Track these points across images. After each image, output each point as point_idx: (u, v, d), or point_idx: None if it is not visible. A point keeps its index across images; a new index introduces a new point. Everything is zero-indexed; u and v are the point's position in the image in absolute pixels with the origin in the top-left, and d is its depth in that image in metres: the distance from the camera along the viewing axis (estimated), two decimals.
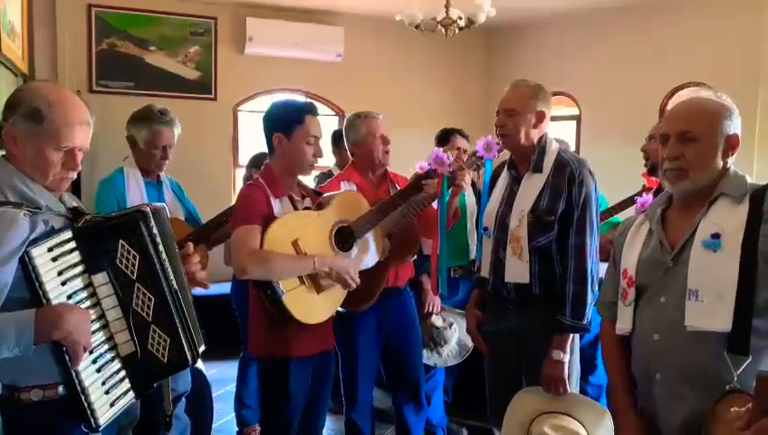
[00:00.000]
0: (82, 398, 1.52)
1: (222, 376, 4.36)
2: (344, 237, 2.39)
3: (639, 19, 5.50)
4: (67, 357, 1.49)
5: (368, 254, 2.47)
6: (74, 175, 1.64)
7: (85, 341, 1.50)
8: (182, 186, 3.03)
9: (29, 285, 1.47)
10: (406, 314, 2.92)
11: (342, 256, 2.34)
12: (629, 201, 3.28)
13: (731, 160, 1.68)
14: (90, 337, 1.52)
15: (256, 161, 3.44)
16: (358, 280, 2.30)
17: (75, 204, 1.69)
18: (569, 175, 2.25)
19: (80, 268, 1.56)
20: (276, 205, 2.25)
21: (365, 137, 2.80)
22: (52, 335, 1.45)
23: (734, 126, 1.67)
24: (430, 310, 3.26)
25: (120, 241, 1.60)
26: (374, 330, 2.82)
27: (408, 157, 2.99)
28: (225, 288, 3.67)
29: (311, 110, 2.32)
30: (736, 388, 1.50)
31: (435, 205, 2.65)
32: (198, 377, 2.95)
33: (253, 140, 5.77)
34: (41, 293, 1.47)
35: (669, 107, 4.25)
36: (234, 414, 3.63)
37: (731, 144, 1.66)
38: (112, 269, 1.60)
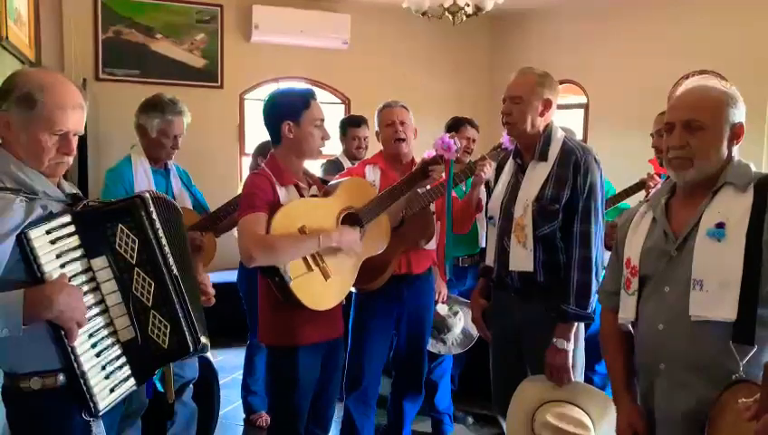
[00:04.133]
0: (82, 382, 1.52)
1: (229, 363, 4.38)
2: (351, 224, 2.39)
3: (647, 6, 5.44)
4: (63, 336, 1.49)
5: (374, 240, 2.48)
6: (70, 160, 1.63)
7: (78, 317, 1.49)
8: (189, 174, 3.04)
9: (27, 268, 1.46)
10: (421, 301, 2.94)
11: (347, 229, 2.32)
12: (636, 187, 3.28)
13: (735, 149, 1.67)
14: (83, 314, 1.51)
15: (263, 149, 3.43)
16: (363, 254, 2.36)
17: (74, 191, 1.69)
18: (574, 163, 2.24)
19: (79, 252, 1.57)
20: (282, 193, 2.26)
21: (379, 126, 2.96)
22: (43, 316, 1.44)
23: (740, 114, 1.66)
24: (436, 298, 3.27)
25: (120, 225, 1.61)
26: (389, 318, 2.86)
27: (413, 143, 2.99)
28: (232, 276, 3.68)
29: (312, 94, 2.35)
30: (742, 378, 1.50)
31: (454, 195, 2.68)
32: (205, 364, 2.97)
33: (259, 128, 5.75)
34: (39, 275, 1.47)
35: (673, 94, 4.20)
36: (240, 401, 3.66)
37: (736, 133, 1.65)
38: (112, 253, 1.60)
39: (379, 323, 2.85)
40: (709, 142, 1.63)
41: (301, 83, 5.77)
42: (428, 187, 2.70)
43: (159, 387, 2.58)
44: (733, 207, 1.60)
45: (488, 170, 2.74)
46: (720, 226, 1.59)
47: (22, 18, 3.67)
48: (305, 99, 2.30)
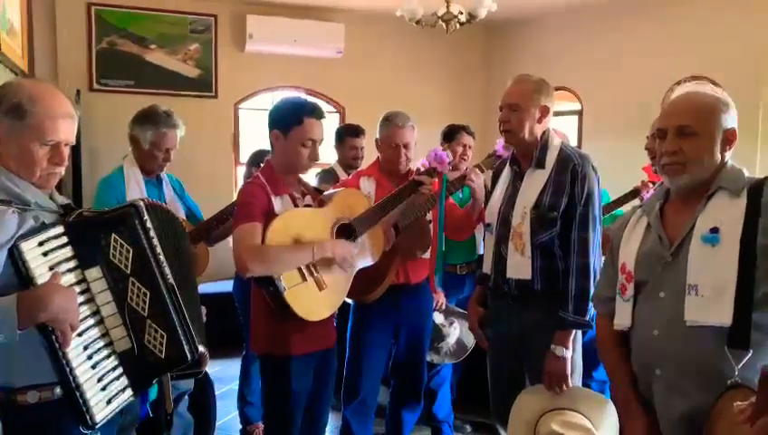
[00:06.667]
0: (77, 395, 1.50)
1: (225, 374, 4.36)
2: (345, 234, 2.38)
3: (641, 14, 5.47)
4: (55, 341, 1.46)
5: (368, 251, 2.46)
6: (62, 170, 1.61)
7: (72, 319, 1.46)
8: (183, 183, 3.02)
9: (20, 281, 1.44)
10: (419, 311, 2.93)
11: (342, 242, 2.30)
12: (632, 195, 3.28)
13: (728, 154, 1.68)
14: (77, 315, 1.49)
15: (256, 159, 3.42)
16: (356, 265, 2.32)
17: (67, 202, 1.67)
18: (572, 170, 2.23)
19: (72, 263, 1.55)
20: (277, 202, 2.24)
21: (384, 140, 2.85)
22: (38, 318, 1.41)
23: (732, 120, 1.67)
24: (435, 306, 3.26)
25: (113, 235, 1.59)
26: (388, 328, 2.85)
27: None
28: (228, 286, 3.67)
29: (313, 112, 2.25)
30: (738, 382, 1.50)
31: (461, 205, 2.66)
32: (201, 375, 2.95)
33: (254, 138, 5.77)
34: (31, 287, 1.44)
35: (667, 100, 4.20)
36: (237, 412, 3.63)
37: (728, 138, 1.66)
38: (106, 264, 1.58)
39: (378, 332, 2.84)
40: (702, 148, 1.64)
41: (296, 93, 5.77)
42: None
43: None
44: (727, 212, 1.60)
45: (476, 178, 2.70)
46: (714, 231, 1.59)
47: (15, 29, 3.66)
48: (300, 115, 2.22)
